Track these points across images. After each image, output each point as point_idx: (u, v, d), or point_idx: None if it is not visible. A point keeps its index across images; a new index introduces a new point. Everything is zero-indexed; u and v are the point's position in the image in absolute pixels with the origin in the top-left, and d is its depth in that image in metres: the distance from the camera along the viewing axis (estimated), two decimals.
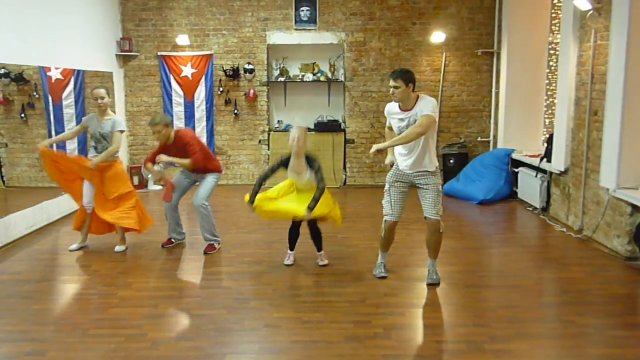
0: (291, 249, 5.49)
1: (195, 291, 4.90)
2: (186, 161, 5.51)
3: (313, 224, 5.31)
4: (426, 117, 4.45)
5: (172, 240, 6.01)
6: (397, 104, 4.67)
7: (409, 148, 4.67)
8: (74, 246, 5.92)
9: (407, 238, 6.22)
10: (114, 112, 5.95)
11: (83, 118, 5.90)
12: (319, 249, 5.44)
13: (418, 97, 4.61)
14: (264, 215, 5.36)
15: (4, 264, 5.53)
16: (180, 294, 4.80)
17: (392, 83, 4.54)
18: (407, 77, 4.51)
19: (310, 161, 5.11)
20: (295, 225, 5.41)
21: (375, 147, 4.62)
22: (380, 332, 3.96)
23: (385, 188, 4.93)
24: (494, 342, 3.79)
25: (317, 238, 5.40)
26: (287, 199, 5.25)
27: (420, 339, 3.99)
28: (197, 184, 5.84)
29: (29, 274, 5.26)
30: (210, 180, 5.73)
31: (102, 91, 5.68)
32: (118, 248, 5.87)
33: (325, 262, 5.40)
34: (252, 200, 5.16)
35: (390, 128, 4.94)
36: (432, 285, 4.84)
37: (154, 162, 5.65)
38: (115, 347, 3.75)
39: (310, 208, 4.93)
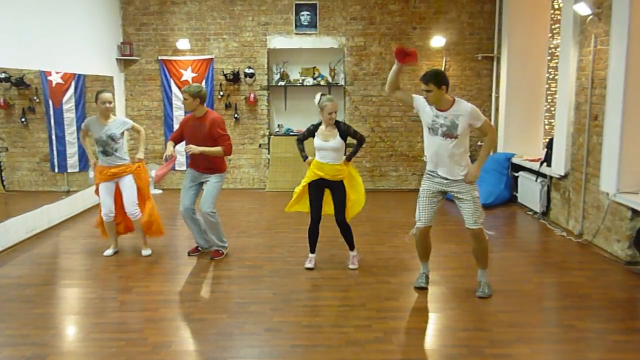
0: (312, 251, 5.45)
1: (195, 295, 4.90)
2: (218, 149, 5.45)
3: (342, 219, 5.29)
4: (486, 124, 4.56)
5: (199, 248, 5.89)
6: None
7: (436, 155, 4.57)
8: (108, 252, 5.89)
9: (409, 243, 6.21)
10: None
11: (83, 124, 5.87)
12: (352, 247, 5.45)
13: (454, 100, 4.49)
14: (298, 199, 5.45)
15: (5, 268, 5.53)
16: (181, 298, 4.80)
17: (423, 87, 4.41)
18: (439, 79, 4.38)
19: (344, 127, 5.25)
20: (315, 224, 5.36)
21: (474, 174, 4.56)
22: (380, 337, 3.96)
23: (419, 193, 4.81)
24: (495, 347, 3.79)
25: (347, 235, 5.39)
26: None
27: (421, 343, 3.99)
28: (203, 186, 5.69)
29: (29, 278, 5.26)
30: (215, 183, 5.59)
31: (110, 95, 5.71)
32: (145, 252, 5.87)
33: (356, 265, 5.41)
34: (304, 157, 5.41)
35: (410, 98, 4.71)
36: (482, 298, 4.66)
37: (176, 143, 5.63)
38: (115, 351, 3.75)
39: (349, 158, 5.31)
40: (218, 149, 5.46)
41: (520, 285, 5.01)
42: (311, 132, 5.32)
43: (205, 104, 5.58)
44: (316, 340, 3.92)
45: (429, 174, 4.72)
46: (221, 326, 4.16)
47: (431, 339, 4.04)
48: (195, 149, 5.39)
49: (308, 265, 5.39)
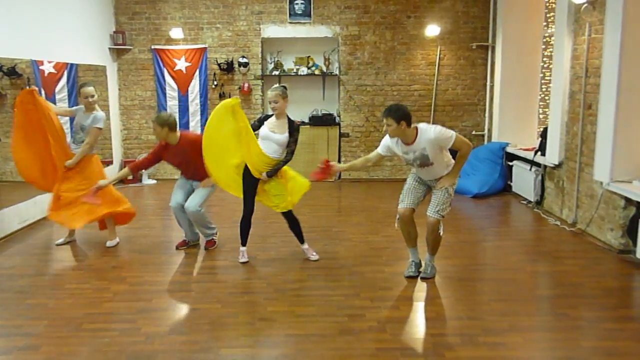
0: (244, 244, 5.36)
1: (189, 285, 4.89)
2: (208, 182, 5.47)
3: (288, 212, 5.22)
4: (457, 140, 4.45)
5: (187, 241, 5.84)
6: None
7: (419, 166, 4.64)
8: (60, 240, 5.91)
9: (398, 230, 6.21)
10: (99, 108, 5.86)
11: (74, 107, 5.90)
12: (301, 241, 5.38)
13: (417, 130, 4.47)
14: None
15: None
16: (174, 288, 4.80)
17: (384, 121, 4.46)
18: (397, 115, 4.37)
19: (294, 127, 5.07)
20: (247, 215, 5.26)
21: (445, 184, 4.62)
22: (374, 326, 3.97)
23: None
24: (488, 335, 3.81)
25: (295, 228, 5.32)
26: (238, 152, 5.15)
27: (415, 332, 4.01)
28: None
29: (22, 268, 5.24)
30: (206, 187, 5.59)
31: (92, 89, 5.65)
32: (109, 243, 5.84)
33: (316, 256, 5.36)
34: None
35: (377, 159, 4.87)
36: (424, 279, 4.84)
37: (144, 168, 5.67)
38: (109, 342, 3.75)
39: (268, 175, 5.04)
40: (207, 182, 5.50)
41: (513, 274, 5.03)
42: (261, 121, 5.15)
43: (175, 130, 5.47)
44: (310, 329, 3.92)
45: (414, 174, 4.86)
46: (215, 316, 4.16)
47: (424, 328, 4.05)
48: (205, 184, 5.50)
49: (242, 260, 5.32)
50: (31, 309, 4.32)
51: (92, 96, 5.63)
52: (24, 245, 5.98)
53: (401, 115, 4.38)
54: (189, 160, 5.44)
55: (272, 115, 5.13)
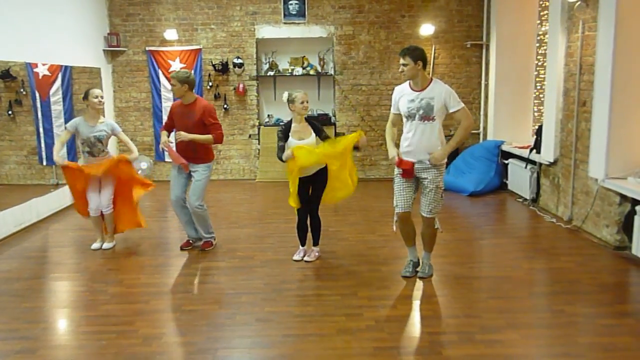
0: (303, 244, 5.42)
1: (186, 287, 4.89)
2: (208, 137, 5.41)
3: (314, 212, 5.25)
4: (462, 112, 4.47)
5: (191, 241, 5.82)
6: (407, 83, 4.58)
7: (415, 138, 4.57)
8: (96, 245, 5.84)
9: (396, 232, 6.22)
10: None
11: (68, 124, 5.72)
12: (316, 243, 5.41)
13: (432, 80, 4.53)
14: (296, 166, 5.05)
15: None
16: (172, 290, 4.79)
17: (401, 61, 4.45)
18: (415, 54, 4.39)
19: (317, 126, 5.10)
20: (303, 219, 5.30)
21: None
22: (372, 325, 3.97)
23: (394, 180, 4.83)
24: (485, 333, 3.81)
25: (316, 229, 5.35)
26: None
27: (412, 330, 4.01)
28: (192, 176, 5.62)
29: (18, 272, 5.22)
30: (203, 174, 5.52)
31: (100, 91, 5.72)
32: (106, 245, 5.83)
33: (313, 259, 5.35)
34: (281, 156, 5.04)
35: (394, 123, 4.82)
36: (422, 278, 4.85)
37: (169, 132, 5.58)
38: (106, 344, 3.74)
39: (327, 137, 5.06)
40: (208, 136, 5.41)
41: (510, 271, 5.04)
42: (285, 133, 5.11)
43: (194, 91, 5.51)
44: (308, 329, 3.93)
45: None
46: (212, 317, 4.16)
47: (422, 327, 4.05)
48: (185, 136, 5.34)
49: (296, 257, 5.37)
50: (28, 312, 4.30)
51: (103, 97, 5.71)
52: (20, 248, 5.96)
53: (419, 55, 4.41)
54: (191, 125, 5.39)
55: (290, 122, 5.13)
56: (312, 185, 5.19)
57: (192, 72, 8.98)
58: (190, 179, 5.60)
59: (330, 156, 4.98)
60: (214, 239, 5.82)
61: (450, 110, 4.48)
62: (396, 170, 4.76)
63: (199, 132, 5.39)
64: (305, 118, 5.16)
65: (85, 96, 5.62)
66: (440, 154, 4.54)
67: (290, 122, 5.15)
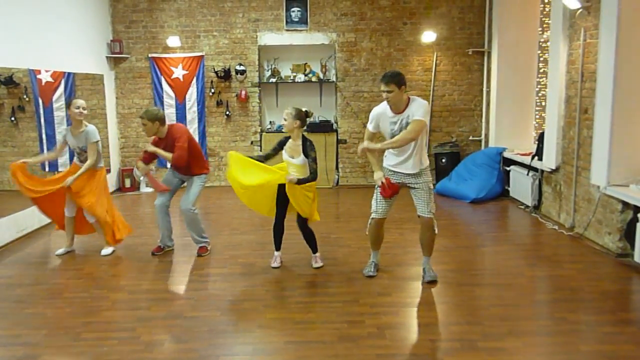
0: (277, 249, 5.42)
1: (188, 293, 4.89)
2: (168, 155, 5.45)
3: (303, 224, 5.27)
4: (417, 122, 4.45)
5: (162, 247, 5.87)
6: (387, 106, 4.64)
7: (400, 150, 4.68)
8: (60, 251, 5.88)
9: (399, 237, 6.23)
10: (91, 118, 5.90)
11: (60, 136, 5.84)
12: (314, 251, 5.42)
13: (409, 99, 4.59)
14: (242, 193, 5.21)
15: None
16: (173, 296, 4.79)
17: (384, 87, 4.49)
18: (398, 79, 4.47)
19: (307, 148, 5.09)
20: (279, 222, 5.33)
21: (365, 145, 4.64)
22: (373, 332, 3.97)
23: (376, 186, 4.92)
24: (487, 340, 3.81)
25: (310, 239, 5.36)
26: (261, 175, 5.11)
27: (414, 337, 4.00)
28: (184, 184, 5.76)
29: (20, 278, 5.23)
30: (197, 183, 5.66)
31: (83, 102, 5.66)
32: (104, 251, 5.83)
33: (320, 264, 5.37)
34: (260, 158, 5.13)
35: (370, 138, 4.84)
36: (431, 283, 4.84)
37: (146, 162, 5.60)
38: (107, 350, 3.74)
39: (298, 181, 4.95)
40: (168, 154, 5.46)
41: (512, 278, 5.03)
42: (281, 145, 5.21)
43: (164, 124, 5.54)
44: (309, 336, 3.92)
45: (389, 171, 4.84)
46: (214, 324, 4.15)
47: (424, 334, 4.04)
48: (151, 148, 5.47)
49: (274, 264, 5.36)
50: (30, 318, 4.30)
51: (84, 108, 5.62)
52: (21, 254, 5.97)
53: (401, 80, 4.49)
54: (172, 150, 5.47)
55: (289, 137, 5.18)
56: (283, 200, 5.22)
57: (195, 81, 9.13)
58: (181, 187, 5.73)
59: (260, 185, 5.07)
60: (209, 244, 5.83)
61: (412, 117, 4.50)
62: (377, 183, 4.85)
63: (188, 156, 5.50)
64: (303, 135, 5.15)
65: (68, 105, 5.59)
66: (369, 147, 4.65)
67: (289, 137, 5.20)
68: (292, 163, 5.13)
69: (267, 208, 5.35)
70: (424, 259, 4.97)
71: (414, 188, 4.75)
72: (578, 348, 3.74)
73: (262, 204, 5.34)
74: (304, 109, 5.21)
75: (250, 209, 5.53)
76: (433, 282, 4.85)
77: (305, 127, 5.22)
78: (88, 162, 5.64)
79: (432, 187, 4.78)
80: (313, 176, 5.05)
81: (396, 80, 4.45)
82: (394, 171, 4.80)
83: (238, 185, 5.12)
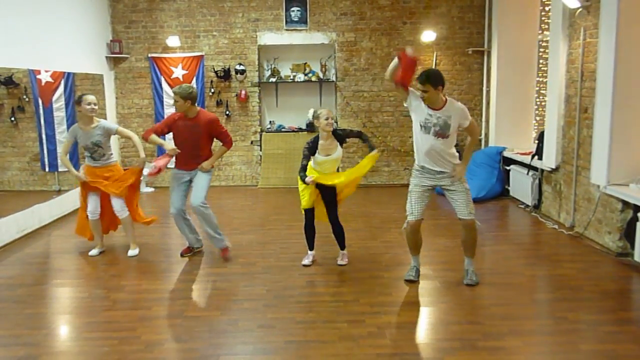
0: (311, 249, 5.45)
1: (188, 293, 4.89)
2: (222, 150, 5.58)
3: (335, 220, 5.29)
4: (471, 123, 4.66)
5: (191, 248, 5.82)
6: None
7: (430, 154, 4.65)
8: (94, 252, 5.85)
9: (400, 237, 6.22)
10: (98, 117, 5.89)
11: (68, 133, 5.81)
12: (342, 247, 5.45)
13: (447, 99, 4.57)
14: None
15: None
16: (174, 296, 4.79)
17: (420, 87, 4.44)
18: (436, 81, 4.42)
19: (340, 137, 5.18)
20: (310, 222, 5.36)
21: (459, 173, 4.71)
22: (374, 331, 3.97)
23: (409, 189, 4.86)
24: (488, 340, 3.81)
25: (340, 235, 5.39)
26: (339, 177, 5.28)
27: (415, 337, 4.00)
28: (192, 182, 5.64)
29: (21, 278, 5.23)
30: (204, 176, 5.53)
31: (94, 97, 5.64)
32: (131, 252, 5.82)
33: (346, 261, 5.41)
34: (304, 177, 5.03)
35: (404, 94, 4.69)
36: (470, 286, 4.80)
37: (159, 134, 5.57)
38: (108, 350, 3.74)
39: (371, 147, 5.24)
40: (222, 149, 5.58)
41: (512, 278, 5.03)
42: (312, 150, 5.14)
43: (195, 104, 5.51)
44: (310, 336, 3.93)
45: (418, 170, 4.79)
46: (214, 323, 4.16)
47: (424, 333, 4.05)
48: (207, 167, 5.48)
49: (305, 262, 5.40)
50: (30, 318, 4.31)
51: (96, 104, 5.62)
52: (22, 254, 5.97)
53: (439, 80, 4.45)
54: (197, 137, 5.43)
55: (317, 138, 5.16)
56: (321, 192, 5.27)
57: (194, 82, 9.11)
58: (190, 187, 5.62)
59: (349, 183, 5.26)
60: (228, 243, 5.76)
61: (464, 126, 4.62)
62: (413, 181, 4.81)
63: (204, 144, 5.48)
64: (332, 131, 5.16)
65: (78, 102, 5.58)
66: (461, 171, 4.71)
67: (317, 139, 5.17)
68: (331, 159, 5.16)
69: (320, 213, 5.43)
70: (466, 260, 4.92)
71: (451, 190, 4.71)
72: (578, 347, 3.74)
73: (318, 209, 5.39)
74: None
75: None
76: (472, 286, 4.80)
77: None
78: (137, 139, 5.83)
79: (468, 187, 4.75)
80: (359, 132, 5.39)
81: (433, 81, 4.41)
82: (425, 168, 4.72)
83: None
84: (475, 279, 4.84)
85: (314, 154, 5.14)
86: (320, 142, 5.14)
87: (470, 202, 4.72)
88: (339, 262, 5.42)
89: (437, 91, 4.45)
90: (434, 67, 9.21)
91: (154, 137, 5.53)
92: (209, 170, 5.53)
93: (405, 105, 4.75)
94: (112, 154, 5.81)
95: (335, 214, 5.31)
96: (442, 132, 4.56)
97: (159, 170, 5.50)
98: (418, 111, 4.63)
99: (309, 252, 5.47)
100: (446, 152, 4.65)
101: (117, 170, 5.81)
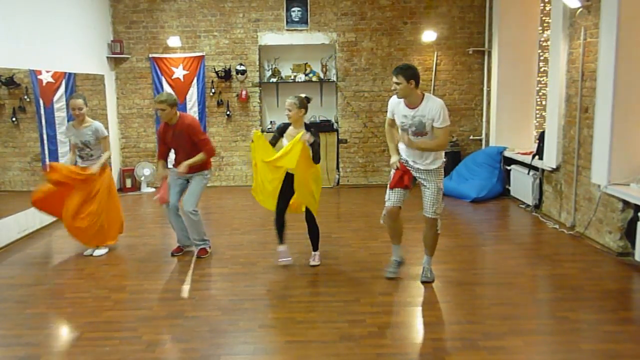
0: (281, 242, 5.40)
1: (189, 293, 4.89)
2: (201, 157, 5.48)
3: (311, 219, 5.28)
4: (444, 130, 4.52)
5: (181, 247, 5.86)
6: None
7: (410, 150, 4.68)
8: (89, 251, 5.86)
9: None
10: (92, 118, 5.89)
11: (64, 130, 5.89)
12: (315, 248, 5.42)
13: (424, 96, 4.57)
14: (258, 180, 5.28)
15: None
16: (175, 296, 4.80)
17: (394, 79, 4.51)
18: (408, 73, 4.44)
19: (309, 129, 5.07)
20: (281, 214, 5.31)
21: (395, 160, 4.75)
22: (374, 331, 3.97)
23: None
24: (488, 339, 3.81)
25: (315, 236, 5.37)
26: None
27: (415, 337, 4.01)
28: (188, 182, 5.69)
29: (22, 278, 5.24)
30: (199, 181, 5.60)
31: (80, 101, 5.65)
32: (97, 252, 5.83)
33: (317, 263, 5.38)
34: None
35: (391, 124, 4.89)
36: (426, 283, 4.86)
37: (166, 159, 5.63)
38: (109, 350, 3.75)
39: (313, 147, 4.96)
40: (201, 156, 5.49)
41: (513, 277, 5.03)
42: (280, 131, 5.21)
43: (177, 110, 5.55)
44: (310, 336, 3.93)
45: (403, 161, 4.82)
46: (215, 323, 4.16)
47: (425, 333, 4.05)
48: (184, 166, 5.43)
49: (281, 259, 5.37)
50: (31, 318, 4.31)
51: (80, 109, 5.62)
52: (23, 254, 5.98)
53: (411, 75, 4.46)
54: (186, 142, 5.47)
55: (289, 124, 5.19)
56: (286, 193, 5.25)
57: (195, 82, 9.14)
58: (187, 183, 5.66)
59: (283, 158, 4.99)
60: (209, 247, 5.81)
61: (434, 125, 4.52)
62: (393, 167, 4.86)
63: (192, 148, 5.47)
64: (306, 125, 5.14)
65: (67, 105, 5.64)
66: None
67: (289, 124, 5.21)
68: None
69: (274, 201, 5.30)
70: (425, 258, 4.97)
71: (424, 185, 4.74)
72: (579, 347, 3.74)
73: (271, 198, 5.28)
74: (303, 95, 5.20)
75: (262, 206, 5.50)
76: (427, 283, 4.86)
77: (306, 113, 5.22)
78: (107, 153, 5.75)
79: (441, 187, 4.75)
80: (316, 158, 5.08)
81: (405, 73, 4.44)
82: (407, 162, 4.77)
83: (260, 158, 5.13)
84: (431, 276, 4.90)
85: (281, 136, 5.20)
86: (290, 128, 5.18)
87: (439, 202, 4.71)
88: (311, 262, 5.38)
89: (409, 85, 4.46)
90: (434, 67, 9.22)
91: (160, 169, 5.69)
92: (185, 174, 5.52)
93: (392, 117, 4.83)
94: (100, 156, 5.79)
95: (312, 213, 5.27)
96: (419, 131, 4.60)
97: (164, 196, 5.59)
98: (398, 115, 4.71)
99: (280, 247, 5.40)
100: (426, 152, 4.66)
101: (99, 177, 5.74)
